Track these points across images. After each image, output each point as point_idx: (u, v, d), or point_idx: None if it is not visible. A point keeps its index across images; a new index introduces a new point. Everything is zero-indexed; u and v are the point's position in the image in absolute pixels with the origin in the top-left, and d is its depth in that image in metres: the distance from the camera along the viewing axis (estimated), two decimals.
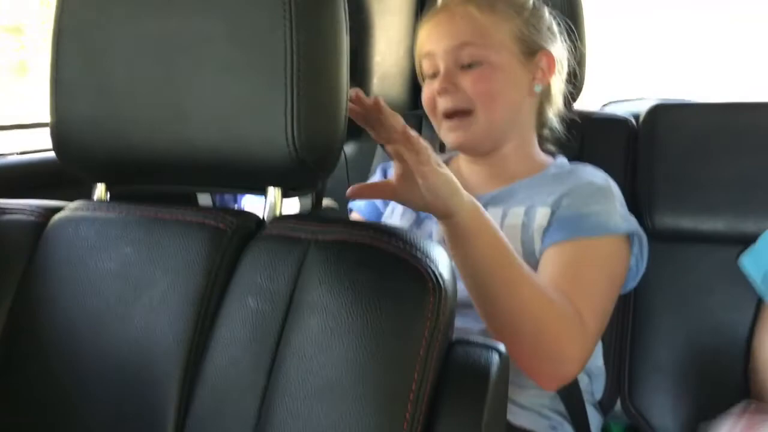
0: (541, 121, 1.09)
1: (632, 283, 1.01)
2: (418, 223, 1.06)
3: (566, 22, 1.11)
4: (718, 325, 1.12)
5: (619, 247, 0.95)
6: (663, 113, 1.21)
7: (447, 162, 1.13)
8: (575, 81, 1.22)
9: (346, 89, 0.64)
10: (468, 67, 0.99)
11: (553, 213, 0.96)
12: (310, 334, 0.53)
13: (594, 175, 1.03)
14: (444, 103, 1.00)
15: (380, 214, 1.14)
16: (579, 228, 0.93)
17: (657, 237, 1.17)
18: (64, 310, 0.62)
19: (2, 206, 0.70)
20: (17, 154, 1.05)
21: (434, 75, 1.03)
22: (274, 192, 0.64)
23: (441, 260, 0.54)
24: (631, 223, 0.97)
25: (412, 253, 0.53)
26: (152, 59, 0.64)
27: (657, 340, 1.15)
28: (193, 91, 0.62)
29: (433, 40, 1.03)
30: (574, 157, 1.16)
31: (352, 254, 0.54)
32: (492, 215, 0.98)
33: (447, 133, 1.03)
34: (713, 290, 1.14)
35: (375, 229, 0.56)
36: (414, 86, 1.58)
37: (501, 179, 1.04)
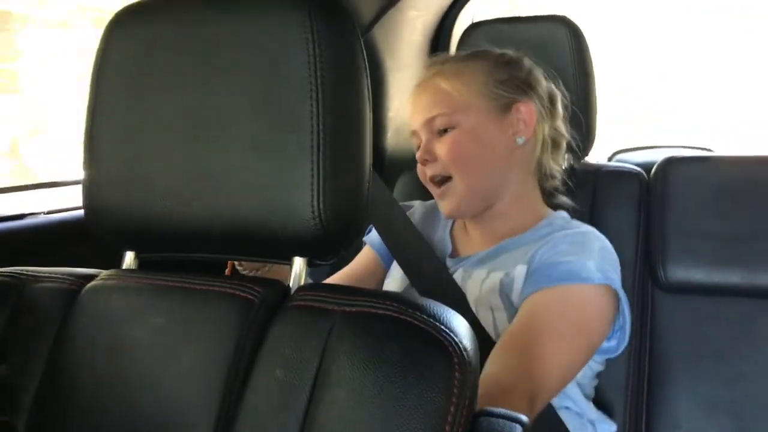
0: (542, 173, 1.10)
1: (622, 344, 0.99)
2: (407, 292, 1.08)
3: (556, 76, 1.14)
4: (734, 379, 1.12)
5: (591, 297, 0.94)
6: (675, 166, 1.23)
7: (454, 220, 1.16)
8: (586, 134, 1.25)
9: (369, 162, 0.67)
10: (444, 132, 1.03)
11: (528, 268, 0.97)
12: (336, 406, 0.54)
13: (579, 228, 1.03)
14: (426, 172, 1.05)
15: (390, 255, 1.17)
16: (548, 278, 0.93)
17: (670, 290, 1.18)
18: (95, 378, 0.64)
19: (36, 274, 0.72)
20: (44, 213, 1.08)
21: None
22: (300, 262, 0.66)
23: (464, 333, 0.56)
24: (608, 277, 0.94)
25: (437, 326, 0.55)
26: (183, 132, 0.66)
27: (674, 394, 1.15)
28: (222, 163, 0.65)
29: (412, 116, 1.09)
30: (585, 210, 1.18)
31: (378, 327, 0.56)
32: (477, 275, 1.01)
33: (439, 203, 1.07)
34: (728, 343, 1.14)
35: (400, 301, 0.58)
36: None
37: (495, 236, 1.06)
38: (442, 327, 0.55)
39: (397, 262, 1.08)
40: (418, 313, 0.56)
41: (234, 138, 0.64)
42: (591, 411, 1.04)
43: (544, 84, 1.10)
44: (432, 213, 1.18)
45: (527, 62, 1.10)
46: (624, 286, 0.99)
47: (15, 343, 0.68)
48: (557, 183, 1.13)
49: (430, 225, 1.15)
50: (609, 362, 1.14)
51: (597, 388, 1.09)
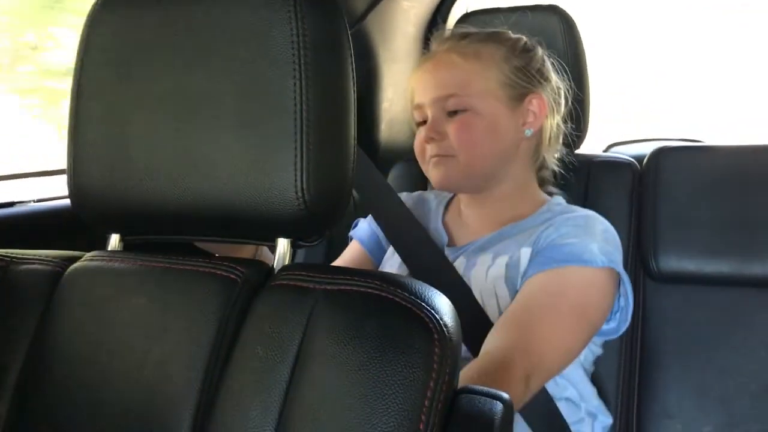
0: (538, 163, 1.10)
1: (623, 325, 0.99)
2: None
3: (566, 70, 1.14)
4: (725, 369, 1.12)
5: (593, 279, 0.93)
6: (666, 156, 1.23)
7: (449, 202, 1.15)
8: (579, 125, 1.24)
9: (353, 142, 0.67)
10: (454, 113, 1.01)
11: (532, 251, 0.97)
12: (317, 383, 0.54)
13: (580, 211, 1.03)
14: (431, 149, 1.03)
15: (381, 248, 1.16)
16: (550, 260, 0.93)
17: (662, 279, 1.18)
18: (80, 358, 0.64)
19: (19, 256, 0.72)
20: (34, 201, 1.08)
21: (424, 122, 1.05)
22: (284, 243, 0.66)
23: (445, 310, 0.56)
24: (611, 260, 0.94)
25: (418, 302, 0.55)
26: (167, 115, 0.66)
27: (665, 384, 1.15)
28: (206, 145, 0.65)
29: (420, 91, 1.06)
30: (578, 200, 1.18)
31: (359, 304, 0.56)
32: (481, 262, 1.00)
33: (431, 171, 1.04)
34: (719, 333, 1.14)
35: (381, 278, 0.58)
36: None
37: (496, 222, 1.05)
38: (423, 304, 0.55)
39: (397, 251, 1.07)
40: (399, 290, 0.56)
41: (218, 119, 0.64)
42: (593, 397, 1.04)
43: (554, 77, 1.09)
44: (422, 204, 1.17)
45: (540, 51, 1.08)
46: None
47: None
48: (549, 173, 1.13)
49: (420, 216, 1.14)
50: (602, 353, 1.14)
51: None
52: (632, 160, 1.28)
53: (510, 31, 1.09)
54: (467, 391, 0.55)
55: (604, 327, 0.98)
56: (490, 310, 0.96)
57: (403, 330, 0.53)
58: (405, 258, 1.05)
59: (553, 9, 1.29)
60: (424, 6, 1.54)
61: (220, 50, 0.64)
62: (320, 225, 0.66)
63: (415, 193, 1.21)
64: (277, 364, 0.56)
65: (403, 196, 1.21)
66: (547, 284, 0.92)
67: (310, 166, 0.62)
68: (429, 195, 1.19)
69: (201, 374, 0.59)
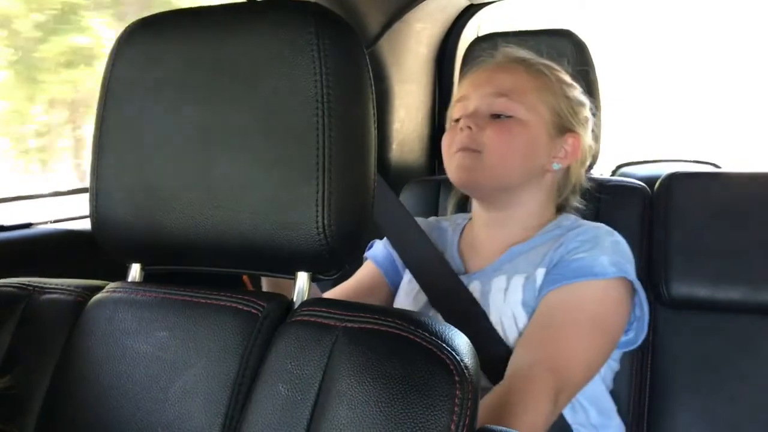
0: (558, 201, 1.11)
1: (641, 335, 1.00)
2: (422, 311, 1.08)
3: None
4: (736, 396, 1.12)
5: (606, 291, 0.94)
6: (678, 181, 1.23)
7: (462, 227, 1.16)
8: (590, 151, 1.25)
9: (374, 177, 0.68)
10: (497, 117, 1.02)
11: (546, 270, 0.98)
12: (338, 423, 0.55)
13: (589, 225, 1.04)
14: (461, 139, 1.02)
15: (397, 270, 1.17)
16: (562, 276, 0.94)
17: (673, 305, 1.18)
18: (101, 390, 0.65)
19: (42, 285, 0.73)
20: (51, 222, 1.09)
21: (458, 121, 1.05)
22: (303, 277, 0.67)
23: (466, 351, 0.56)
24: (622, 270, 0.95)
25: (439, 344, 0.55)
26: (190, 148, 0.67)
27: (675, 410, 1.15)
28: (228, 179, 0.66)
29: (472, 85, 1.06)
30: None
31: (381, 344, 0.57)
32: (497, 286, 1.01)
33: (454, 164, 1.04)
34: (729, 360, 1.14)
35: (402, 317, 0.59)
36: (432, 152, 1.62)
37: (506, 244, 1.06)
38: (444, 345, 0.55)
39: (413, 275, 1.07)
40: (420, 331, 0.56)
41: (241, 153, 0.65)
42: (614, 415, 1.04)
43: (591, 122, 1.10)
44: (437, 230, 1.18)
45: (589, 105, 1.10)
46: None
47: (22, 353, 0.69)
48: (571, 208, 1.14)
49: (435, 242, 1.14)
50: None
51: None
52: (643, 184, 1.28)
53: (566, 65, 1.11)
54: (487, 431, 0.55)
55: (623, 338, 0.99)
56: (510, 333, 0.97)
57: (425, 372, 0.54)
58: (423, 284, 1.05)
59: (567, 34, 1.30)
60: (437, 28, 1.55)
61: (244, 87, 0.65)
62: (340, 259, 0.67)
63: (431, 219, 1.22)
64: (298, 403, 0.57)
65: (419, 221, 1.22)
66: (563, 301, 0.93)
67: (332, 202, 0.63)
68: (444, 222, 1.20)
69: (223, 410, 0.60)
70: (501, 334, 0.97)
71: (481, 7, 1.57)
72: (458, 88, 1.11)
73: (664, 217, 1.20)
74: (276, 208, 0.64)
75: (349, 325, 0.59)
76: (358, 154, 0.66)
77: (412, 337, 0.56)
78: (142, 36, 0.72)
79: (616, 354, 1.04)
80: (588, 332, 0.92)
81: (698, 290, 1.16)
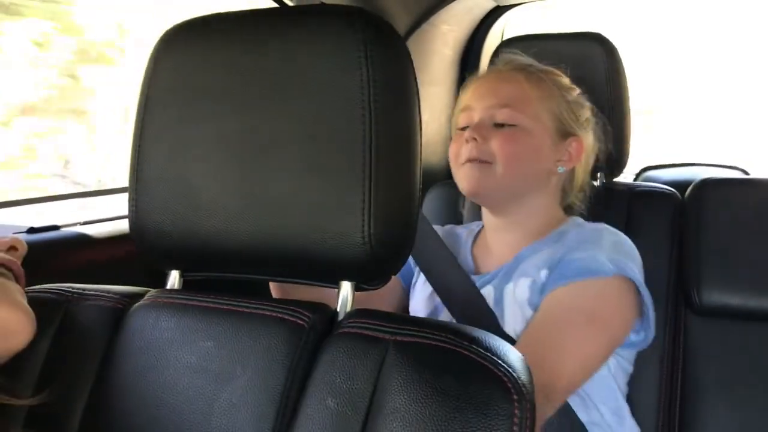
0: (564, 203, 1.13)
1: (650, 334, 1.00)
2: (435, 312, 1.09)
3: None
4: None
5: (605, 288, 0.95)
6: (711, 188, 1.22)
7: (476, 233, 1.16)
8: (621, 153, 1.24)
9: (418, 186, 0.66)
10: (500, 126, 1.04)
11: (549, 270, 0.99)
12: None
13: (591, 225, 1.05)
14: (468, 151, 1.04)
15: (410, 269, 1.17)
16: (561, 276, 0.95)
17: (704, 313, 1.17)
18: (144, 400, 0.64)
19: (82, 291, 0.72)
20: (80, 224, 1.08)
21: (464, 129, 1.07)
22: (347, 286, 0.66)
23: (521, 368, 0.55)
24: (621, 267, 0.95)
25: (495, 360, 0.54)
26: (231, 155, 0.66)
27: (706, 420, 1.14)
28: (272, 187, 0.64)
29: (475, 95, 1.08)
30: (620, 230, 1.17)
31: (433, 359, 0.55)
32: (508, 289, 1.02)
33: (464, 175, 1.05)
34: (762, 369, 1.13)
35: (453, 332, 0.57)
36: None
37: (515, 247, 1.07)
38: (500, 361, 0.54)
39: (426, 277, 1.08)
40: (474, 346, 0.55)
41: (285, 161, 0.64)
42: (627, 416, 1.04)
43: (592, 131, 1.12)
44: (452, 237, 1.19)
45: (585, 100, 1.12)
46: (656, 308, 0.99)
47: (62, 362, 0.68)
48: (578, 206, 1.14)
49: (450, 247, 1.15)
50: (642, 385, 1.13)
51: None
52: (674, 190, 1.27)
53: (566, 69, 1.12)
54: None
55: (633, 338, 0.99)
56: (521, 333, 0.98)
57: (482, 389, 0.53)
58: (435, 286, 1.06)
59: (597, 37, 1.28)
60: (463, 30, 1.54)
61: (289, 93, 0.64)
62: (384, 269, 0.66)
63: (447, 227, 1.24)
64: (349, 418, 0.56)
65: (436, 229, 1.21)
66: (561, 299, 0.94)
67: (378, 211, 0.62)
68: (459, 229, 1.22)
69: (270, 423, 0.58)
70: (514, 336, 0.98)
71: (508, 9, 1.56)
72: (461, 96, 1.12)
73: (696, 224, 1.19)
74: (320, 217, 0.63)
75: (399, 338, 0.58)
76: (404, 162, 0.65)
77: (465, 352, 0.55)
78: (181, 40, 0.70)
79: (629, 355, 1.05)
80: (583, 328, 0.92)
81: (730, 298, 1.15)
